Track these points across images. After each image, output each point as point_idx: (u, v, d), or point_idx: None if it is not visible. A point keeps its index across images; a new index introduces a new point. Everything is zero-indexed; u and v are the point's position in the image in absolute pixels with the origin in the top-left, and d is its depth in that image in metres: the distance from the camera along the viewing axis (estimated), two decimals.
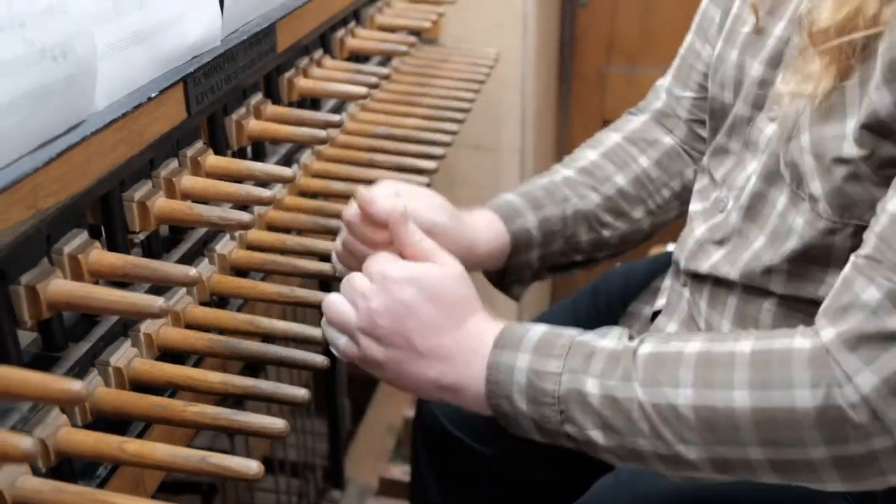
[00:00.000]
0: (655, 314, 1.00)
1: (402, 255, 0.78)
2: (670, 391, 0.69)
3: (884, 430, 0.64)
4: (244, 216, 0.75)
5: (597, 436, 0.72)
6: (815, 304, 0.72)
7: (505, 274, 0.99)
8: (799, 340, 0.68)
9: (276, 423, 0.67)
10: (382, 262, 0.76)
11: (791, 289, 0.80)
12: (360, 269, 0.79)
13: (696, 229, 0.91)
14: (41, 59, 0.57)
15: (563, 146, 2.37)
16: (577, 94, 2.36)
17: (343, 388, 1.74)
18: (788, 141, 0.77)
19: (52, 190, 0.61)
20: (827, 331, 0.66)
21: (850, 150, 0.71)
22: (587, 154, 1.04)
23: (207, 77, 0.82)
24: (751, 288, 0.83)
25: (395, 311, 0.74)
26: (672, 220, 1.06)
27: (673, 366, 0.70)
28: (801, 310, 0.80)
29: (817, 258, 0.77)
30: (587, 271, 1.09)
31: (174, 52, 0.76)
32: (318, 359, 0.76)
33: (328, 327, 0.78)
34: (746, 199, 0.84)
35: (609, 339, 0.74)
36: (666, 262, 1.02)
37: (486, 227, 0.94)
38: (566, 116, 2.37)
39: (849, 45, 0.70)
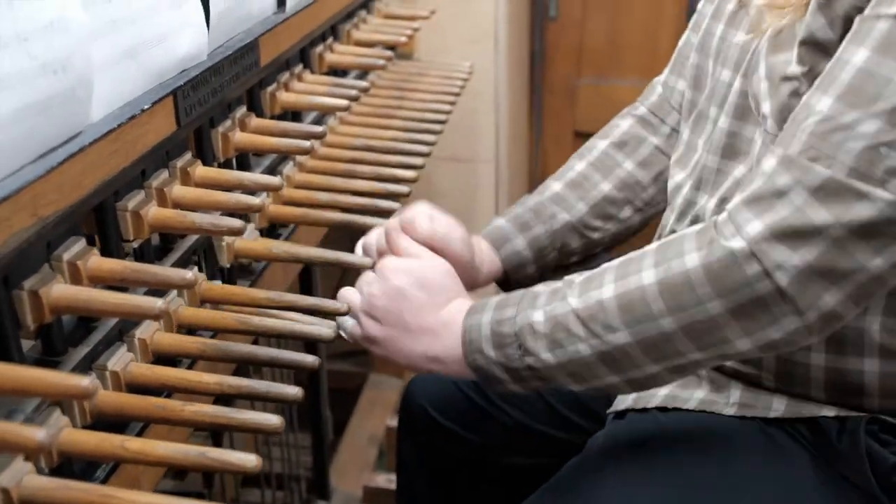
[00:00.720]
0: None
1: None
2: (595, 292, 0.80)
3: (765, 274, 0.72)
4: (235, 222, 0.77)
5: (548, 357, 0.81)
6: None
7: (507, 287, 1.09)
8: (693, 227, 0.79)
9: (272, 420, 0.69)
10: (385, 258, 0.93)
11: None
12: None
13: (684, 190, 0.97)
14: (43, 73, 0.59)
15: (535, 157, 2.41)
16: (549, 106, 2.41)
17: (325, 400, 1.76)
18: (751, 77, 0.85)
19: (52, 199, 0.64)
20: (734, 203, 0.76)
21: (794, 68, 0.80)
22: (575, 165, 1.13)
23: (195, 90, 0.85)
24: None
25: (390, 295, 0.89)
26: (662, 210, 1.12)
27: (598, 275, 0.81)
28: None
29: None
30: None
31: (164, 66, 0.79)
32: (309, 359, 0.78)
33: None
34: (722, 139, 0.90)
35: (557, 283, 0.85)
36: None
37: (484, 255, 1.06)
38: (538, 127, 2.42)
39: None
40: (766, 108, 0.83)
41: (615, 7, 2.31)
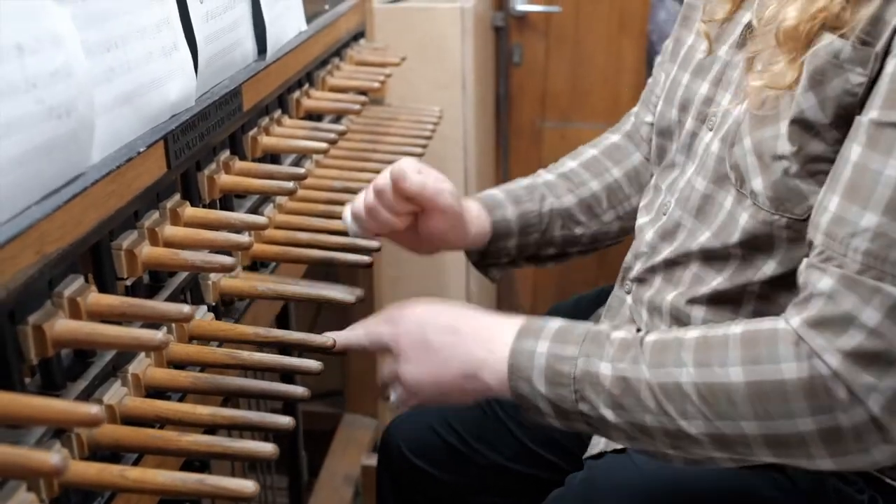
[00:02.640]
0: (598, 319, 1.09)
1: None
2: (674, 371, 0.77)
3: (857, 402, 0.71)
4: (226, 259, 0.80)
5: (608, 413, 0.79)
6: (746, 293, 0.84)
7: (484, 256, 1.12)
8: (782, 323, 0.76)
9: (267, 448, 0.72)
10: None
11: (734, 276, 0.89)
12: (377, 232, 0.99)
13: (646, 235, 1.00)
14: (49, 117, 0.62)
15: None
16: (515, 148, 2.47)
17: (301, 441, 1.77)
18: (732, 146, 0.87)
19: (56, 237, 0.67)
20: (794, 319, 0.75)
21: (784, 147, 0.81)
22: (567, 163, 1.18)
23: (184, 134, 0.88)
24: (687, 297, 0.92)
25: (412, 332, 0.88)
26: None
27: (675, 350, 0.78)
28: (729, 308, 0.89)
29: (759, 246, 0.86)
30: (539, 306, 1.18)
31: (157, 111, 0.82)
32: (299, 390, 0.81)
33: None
34: (696, 200, 0.93)
35: (620, 330, 0.83)
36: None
37: (474, 214, 1.09)
38: (505, 169, 2.48)
39: (808, 37, 0.79)
40: (758, 184, 0.84)
41: (576, 54, 2.39)
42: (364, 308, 1.86)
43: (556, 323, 0.85)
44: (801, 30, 0.79)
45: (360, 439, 1.98)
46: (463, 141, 2.06)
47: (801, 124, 0.80)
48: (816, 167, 0.80)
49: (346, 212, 1.05)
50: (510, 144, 2.47)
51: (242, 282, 0.96)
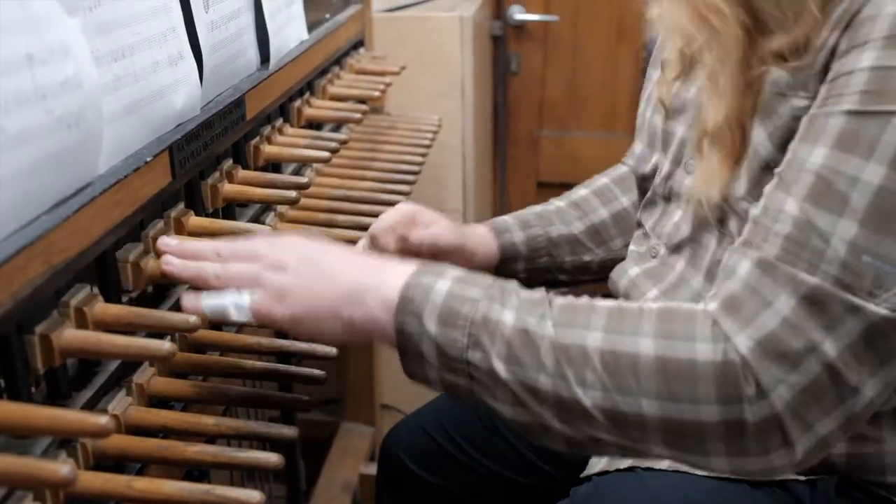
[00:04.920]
0: None
1: None
2: (581, 332, 0.71)
3: (762, 395, 0.66)
4: None
5: (500, 367, 0.72)
6: None
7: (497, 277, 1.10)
8: (701, 305, 0.72)
9: (272, 458, 0.72)
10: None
11: None
12: None
13: (629, 269, 1.00)
14: (59, 128, 0.62)
15: (501, 206, 2.47)
16: (513, 157, 2.48)
17: (298, 450, 1.77)
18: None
19: (63, 247, 0.67)
20: (711, 304, 0.71)
21: (741, 189, 0.81)
22: (579, 191, 1.20)
23: (189, 144, 0.89)
24: None
25: (298, 246, 0.79)
26: None
27: (586, 313, 0.73)
28: None
29: None
30: None
31: (162, 120, 0.82)
32: (302, 399, 0.81)
33: (213, 298, 0.76)
34: (686, 246, 0.92)
35: (534, 289, 0.77)
36: None
37: (482, 239, 1.11)
38: (503, 178, 2.48)
39: (739, 137, 0.80)
40: (733, 226, 0.84)
41: (574, 63, 2.39)
42: None
43: (460, 269, 0.78)
44: (726, 135, 0.81)
45: (357, 448, 1.97)
46: (461, 149, 2.07)
47: (754, 160, 0.79)
48: None
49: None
50: (508, 152, 2.47)
51: None
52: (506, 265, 1.12)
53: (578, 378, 0.70)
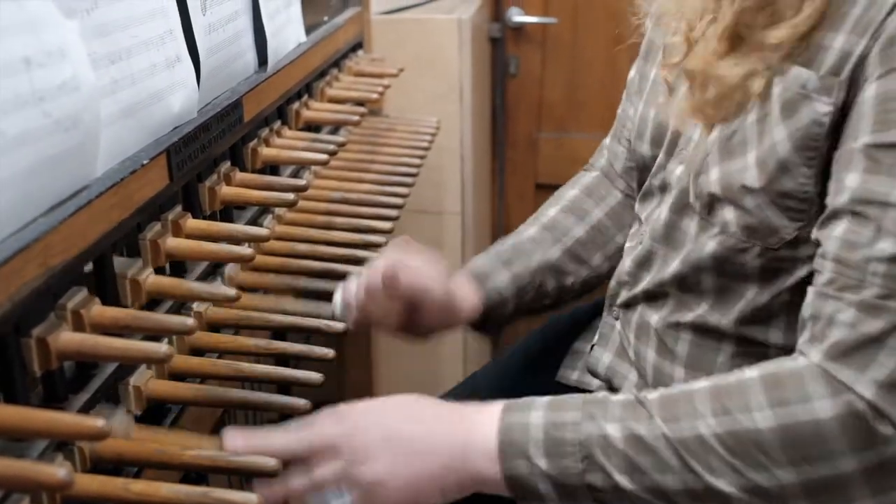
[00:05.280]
0: (593, 348, 1.09)
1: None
2: (691, 422, 0.71)
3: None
4: (230, 291, 0.80)
5: (623, 480, 0.71)
6: (732, 326, 0.83)
7: (484, 323, 1.08)
8: (802, 360, 0.72)
9: (270, 462, 0.72)
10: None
11: (716, 306, 0.89)
12: (366, 325, 0.94)
13: (626, 263, 1.01)
14: (56, 130, 0.63)
15: (499, 208, 2.47)
16: (512, 159, 2.48)
17: None
18: (698, 176, 0.87)
19: (60, 249, 0.67)
20: (814, 354, 0.71)
21: (752, 179, 0.80)
22: (548, 212, 1.16)
23: (186, 146, 0.89)
24: (670, 322, 0.93)
25: (371, 426, 0.76)
26: None
27: (686, 401, 0.73)
28: (714, 336, 0.89)
29: (733, 275, 0.86)
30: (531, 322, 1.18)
31: (159, 123, 0.82)
32: (301, 402, 0.81)
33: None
34: (661, 229, 0.94)
35: (618, 395, 0.77)
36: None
37: (465, 293, 1.04)
38: (502, 180, 2.48)
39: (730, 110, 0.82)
40: (728, 214, 0.84)
41: (573, 64, 2.39)
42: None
43: (543, 397, 0.77)
44: (720, 105, 0.81)
45: None
46: (460, 151, 2.07)
47: (770, 157, 0.79)
48: (786, 203, 0.80)
49: (337, 297, 0.97)
50: (507, 154, 2.47)
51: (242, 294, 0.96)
52: (493, 311, 1.06)
53: (706, 467, 0.70)
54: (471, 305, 1.04)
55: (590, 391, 1.08)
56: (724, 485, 0.70)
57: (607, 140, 1.21)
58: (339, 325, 0.93)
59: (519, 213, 2.50)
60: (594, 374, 1.07)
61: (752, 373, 0.73)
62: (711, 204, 0.86)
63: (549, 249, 1.11)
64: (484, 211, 2.36)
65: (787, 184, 0.79)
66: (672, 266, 0.92)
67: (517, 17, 2.35)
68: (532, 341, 1.23)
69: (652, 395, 0.75)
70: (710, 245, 0.87)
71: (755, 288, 0.86)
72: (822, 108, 0.76)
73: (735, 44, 0.81)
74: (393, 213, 1.23)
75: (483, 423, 0.75)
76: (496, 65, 2.39)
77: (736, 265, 0.86)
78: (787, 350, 0.79)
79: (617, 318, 1.04)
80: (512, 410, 0.76)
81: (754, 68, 0.79)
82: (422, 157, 1.46)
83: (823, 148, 0.77)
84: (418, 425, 0.76)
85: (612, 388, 1.04)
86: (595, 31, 2.36)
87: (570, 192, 1.18)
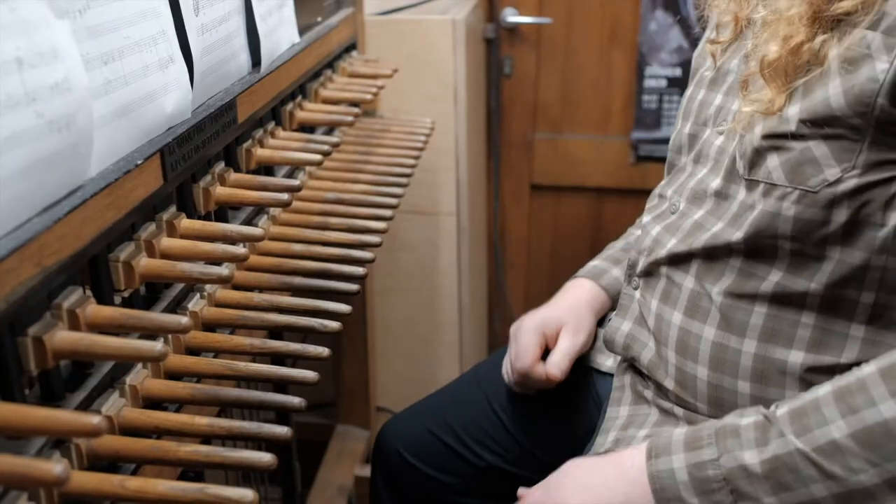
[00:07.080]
0: (610, 320, 1.12)
1: None
2: (824, 430, 0.75)
3: None
4: (223, 271, 0.81)
5: (772, 501, 0.77)
6: (759, 291, 0.85)
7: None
8: None
9: (265, 457, 0.72)
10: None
11: (746, 265, 0.90)
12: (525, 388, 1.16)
13: (652, 231, 1.03)
14: (49, 131, 0.63)
15: (494, 209, 2.48)
16: (507, 159, 2.48)
17: (294, 452, 1.77)
18: (742, 137, 0.89)
19: (55, 249, 0.67)
20: None
21: (799, 126, 0.83)
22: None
23: (180, 147, 0.89)
24: (702, 278, 0.94)
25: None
26: None
27: (814, 410, 0.77)
28: (748, 296, 0.90)
29: (773, 233, 0.87)
30: None
31: (153, 124, 0.83)
32: (296, 400, 0.82)
33: None
34: (710, 197, 0.95)
35: (746, 416, 0.82)
36: None
37: (588, 297, 1.20)
38: (497, 180, 2.48)
39: (793, 70, 0.83)
40: (773, 162, 0.86)
41: (567, 65, 2.40)
42: (357, 318, 1.86)
43: (679, 433, 0.84)
44: (785, 63, 0.82)
45: (353, 450, 1.98)
46: (455, 152, 2.07)
47: (822, 106, 0.81)
48: (833, 132, 0.81)
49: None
50: (501, 155, 2.48)
51: (237, 293, 0.96)
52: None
53: (846, 469, 0.74)
54: (597, 304, 1.20)
55: (601, 372, 1.14)
56: (867, 479, 0.73)
57: None
58: (334, 325, 0.93)
59: (514, 213, 2.51)
60: (611, 346, 1.09)
61: (869, 368, 0.76)
62: (755, 160, 0.87)
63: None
64: (479, 211, 2.36)
65: (834, 128, 0.81)
66: (713, 230, 0.93)
67: (511, 17, 2.36)
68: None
69: (780, 412, 0.79)
70: (756, 202, 0.88)
71: (786, 263, 0.86)
72: (881, 65, 0.78)
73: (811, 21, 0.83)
74: (387, 213, 1.23)
75: (634, 474, 0.84)
76: (491, 65, 2.40)
77: (779, 219, 0.86)
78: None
79: (636, 289, 1.05)
80: (654, 458, 0.83)
81: (823, 34, 0.82)
82: (416, 158, 1.46)
83: (874, 106, 0.79)
84: (585, 494, 0.86)
85: (630, 358, 1.05)
86: (589, 32, 2.36)
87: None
